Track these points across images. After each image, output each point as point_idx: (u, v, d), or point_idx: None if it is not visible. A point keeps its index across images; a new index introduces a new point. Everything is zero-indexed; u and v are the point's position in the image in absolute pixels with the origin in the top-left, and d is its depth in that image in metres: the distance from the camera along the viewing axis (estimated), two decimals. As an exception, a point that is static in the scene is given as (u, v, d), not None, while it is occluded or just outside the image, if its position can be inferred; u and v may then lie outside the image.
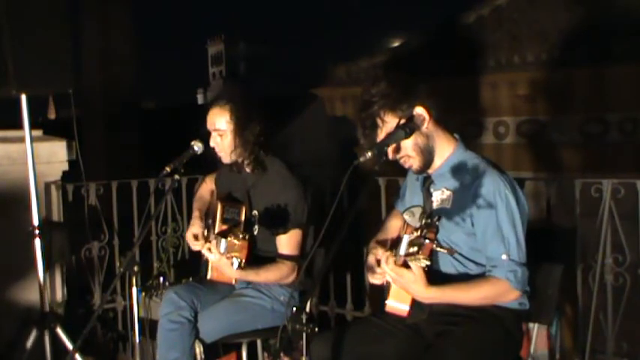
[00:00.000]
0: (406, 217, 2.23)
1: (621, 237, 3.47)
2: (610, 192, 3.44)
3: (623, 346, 3.53)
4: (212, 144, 3.16)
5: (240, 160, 3.21)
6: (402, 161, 2.60)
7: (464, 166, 2.58)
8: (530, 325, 2.65)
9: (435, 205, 2.60)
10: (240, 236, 2.79)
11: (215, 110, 3.17)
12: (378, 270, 2.51)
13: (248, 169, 3.24)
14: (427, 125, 2.56)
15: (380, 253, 2.52)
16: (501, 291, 2.47)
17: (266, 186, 3.18)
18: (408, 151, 2.57)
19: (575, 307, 3.56)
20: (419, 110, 2.54)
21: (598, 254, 3.49)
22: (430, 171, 2.63)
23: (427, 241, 2.13)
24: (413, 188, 2.75)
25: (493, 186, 2.49)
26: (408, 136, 2.47)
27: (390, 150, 2.52)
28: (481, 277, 2.52)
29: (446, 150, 2.61)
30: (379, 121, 2.54)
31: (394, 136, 2.45)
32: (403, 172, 2.92)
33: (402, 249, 2.19)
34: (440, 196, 2.59)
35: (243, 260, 2.78)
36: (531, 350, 2.66)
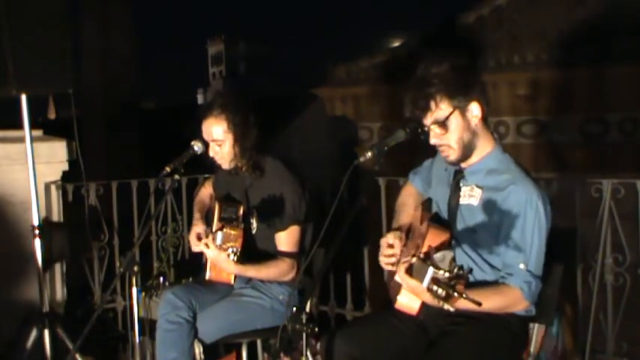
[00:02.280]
0: (437, 256, 2.14)
1: (621, 237, 3.48)
2: (610, 192, 3.44)
3: (623, 346, 3.53)
4: (211, 154, 3.13)
5: (239, 164, 3.21)
6: (440, 149, 2.54)
7: (500, 168, 2.53)
8: (531, 325, 2.65)
9: (461, 200, 2.56)
10: (235, 225, 2.82)
11: (210, 120, 3.12)
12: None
13: (245, 170, 3.23)
14: (477, 122, 2.50)
15: (385, 249, 2.50)
16: (513, 301, 2.45)
17: (263, 184, 3.18)
18: (451, 142, 2.49)
19: (575, 307, 3.56)
20: (473, 105, 2.48)
21: (598, 254, 3.50)
22: (464, 165, 2.57)
23: (455, 294, 2.05)
24: (440, 178, 2.69)
25: (527, 194, 2.44)
26: (408, 136, 2.43)
27: (435, 132, 2.46)
28: (494, 284, 2.48)
29: (484, 148, 2.54)
30: (432, 104, 2.44)
31: (394, 136, 2.42)
32: (403, 172, 2.92)
33: (426, 281, 2.07)
34: (469, 192, 2.54)
35: (239, 248, 2.78)
36: (531, 350, 2.65)
